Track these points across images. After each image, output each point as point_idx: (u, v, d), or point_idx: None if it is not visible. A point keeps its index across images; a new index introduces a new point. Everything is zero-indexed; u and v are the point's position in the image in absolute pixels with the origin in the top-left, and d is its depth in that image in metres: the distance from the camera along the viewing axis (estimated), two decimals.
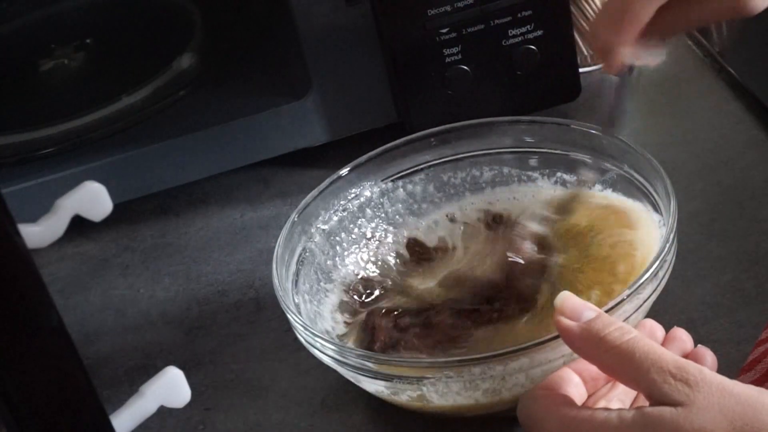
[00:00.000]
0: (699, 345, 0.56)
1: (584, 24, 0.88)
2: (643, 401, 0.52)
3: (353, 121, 0.83)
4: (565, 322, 0.51)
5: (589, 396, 0.54)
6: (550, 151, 0.71)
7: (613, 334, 0.49)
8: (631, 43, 0.62)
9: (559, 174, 0.71)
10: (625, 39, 0.61)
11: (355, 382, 0.61)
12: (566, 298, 0.53)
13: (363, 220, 0.72)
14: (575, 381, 0.54)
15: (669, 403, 0.46)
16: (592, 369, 0.54)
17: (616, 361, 0.49)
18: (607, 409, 0.49)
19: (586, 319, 0.51)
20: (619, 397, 0.54)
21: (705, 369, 0.47)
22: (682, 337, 0.56)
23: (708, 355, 0.54)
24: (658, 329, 0.57)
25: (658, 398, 0.47)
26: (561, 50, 0.81)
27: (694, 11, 0.62)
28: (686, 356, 0.55)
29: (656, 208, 0.65)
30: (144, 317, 0.75)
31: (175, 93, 0.85)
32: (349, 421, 0.64)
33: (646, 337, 0.50)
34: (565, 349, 0.54)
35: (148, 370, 0.67)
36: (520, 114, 0.73)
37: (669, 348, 0.55)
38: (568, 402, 0.51)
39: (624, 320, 0.56)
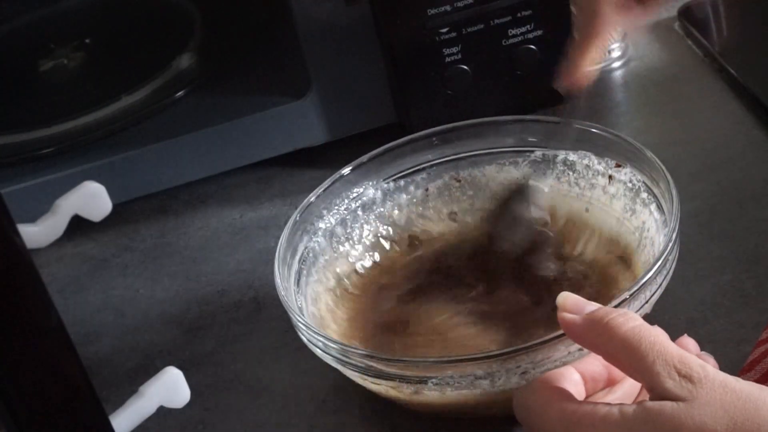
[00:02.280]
0: (702, 352, 0.56)
1: None
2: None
3: (353, 121, 0.83)
4: (568, 316, 0.51)
5: (587, 397, 0.54)
6: (552, 150, 0.71)
7: (617, 320, 0.49)
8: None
9: (560, 173, 0.71)
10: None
11: (358, 381, 0.60)
12: (567, 296, 0.53)
13: (366, 219, 0.72)
14: (575, 379, 0.54)
15: (671, 398, 0.46)
16: (594, 369, 0.54)
17: (621, 348, 0.49)
18: (608, 404, 0.49)
19: (589, 311, 0.51)
20: (616, 402, 0.54)
21: (708, 366, 0.47)
22: (688, 346, 0.55)
23: (710, 361, 0.54)
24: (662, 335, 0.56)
25: (660, 392, 0.47)
26: (561, 50, 0.81)
27: None
28: None
29: (659, 207, 0.65)
30: (143, 317, 0.75)
31: (174, 93, 0.85)
32: (349, 421, 0.64)
33: None
34: (568, 348, 0.54)
35: (148, 370, 0.67)
36: (520, 114, 0.73)
37: None
38: (569, 396, 0.51)
39: None
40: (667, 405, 0.46)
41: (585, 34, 0.64)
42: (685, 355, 0.47)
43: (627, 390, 0.54)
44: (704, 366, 0.47)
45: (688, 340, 0.55)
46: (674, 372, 0.47)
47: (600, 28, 0.63)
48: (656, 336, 0.48)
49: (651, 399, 0.47)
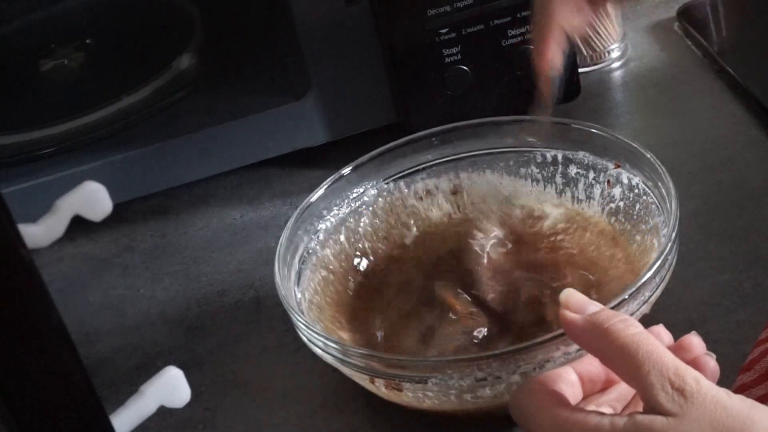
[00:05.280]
0: (704, 353, 0.56)
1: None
2: (634, 406, 0.52)
3: (353, 121, 0.83)
4: (570, 315, 0.51)
5: (584, 398, 0.54)
6: (550, 150, 0.71)
7: (617, 326, 0.49)
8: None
9: (559, 173, 0.71)
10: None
11: (358, 381, 0.61)
12: (571, 294, 0.53)
13: (365, 219, 0.72)
14: (572, 380, 0.54)
15: (662, 411, 0.46)
16: (592, 370, 0.54)
17: (619, 355, 0.49)
18: (600, 413, 0.49)
19: (591, 313, 0.51)
20: (610, 403, 0.54)
21: (702, 380, 0.47)
22: (692, 344, 0.54)
23: (711, 363, 0.53)
24: (665, 334, 0.56)
25: (652, 404, 0.47)
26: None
27: None
28: (688, 361, 0.55)
29: (658, 207, 0.65)
30: (144, 317, 0.75)
31: (174, 93, 0.85)
32: (349, 421, 0.64)
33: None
34: (568, 348, 0.54)
35: (148, 370, 0.66)
36: (520, 114, 0.73)
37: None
38: (562, 401, 0.51)
39: None
40: (657, 420, 0.46)
41: (539, 35, 0.65)
42: (680, 366, 0.47)
43: (622, 392, 0.54)
44: (698, 379, 0.47)
45: (693, 338, 0.55)
46: (668, 384, 0.47)
47: (550, 24, 0.64)
48: (654, 345, 0.48)
49: (644, 410, 0.47)
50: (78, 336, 0.73)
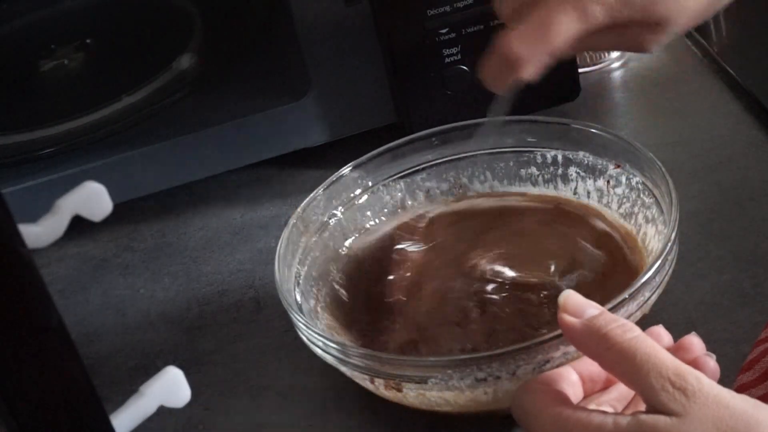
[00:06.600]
0: (704, 353, 0.55)
1: None
2: (635, 406, 0.52)
3: (353, 121, 0.83)
4: (568, 319, 0.51)
5: (585, 397, 0.54)
6: (551, 150, 0.71)
7: (615, 331, 0.49)
8: (542, 60, 0.59)
9: (559, 174, 0.71)
10: (540, 56, 0.59)
11: (358, 381, 0.61)
12: (569, 296, 0.53)
13: (365, 219, 0.72)
14: (573, 379, 0.54)
15: (664, 412, 0.46)
16: (593, 370, 0.54)
17: (617, 360, 0.49)
18: (603, 412, 0.49)
19: (589, 316, 0.51)
20: (611, 402, 0.54)
21: (703, 378, 0.47)
22: (692, 345, 0.54)
23: (711, 363, 0.53)
24: (665, 335, 0.56)
25: (654, 405, 0.47)
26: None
27: (602, 42, 0.60)
28: (688, 362, 0.55)
29: (658, 207, 0.65)
30: (144, 317, 0.75)
31: (174, 93, 0.85)
32: (349, 421, 0.64)
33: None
34: (568, 348, 0.54)
35: (148, 370, 0.66)
36: (520, 114, 0.73)
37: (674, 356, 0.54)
38: (564, 400, 0.51)
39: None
40: (661, 420, 0.46)
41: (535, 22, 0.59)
42: (680, 367, 0.47)
43: (622, 391, 0.54)
44: (699, 378, 0.47)
45: (693, 339, 0.55)
46: (668, 384, 0.47)
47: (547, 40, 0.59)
48: (652, 347, 0.48)
49: (646, 411, 0.47)
50: (78, 336, 0.73)
